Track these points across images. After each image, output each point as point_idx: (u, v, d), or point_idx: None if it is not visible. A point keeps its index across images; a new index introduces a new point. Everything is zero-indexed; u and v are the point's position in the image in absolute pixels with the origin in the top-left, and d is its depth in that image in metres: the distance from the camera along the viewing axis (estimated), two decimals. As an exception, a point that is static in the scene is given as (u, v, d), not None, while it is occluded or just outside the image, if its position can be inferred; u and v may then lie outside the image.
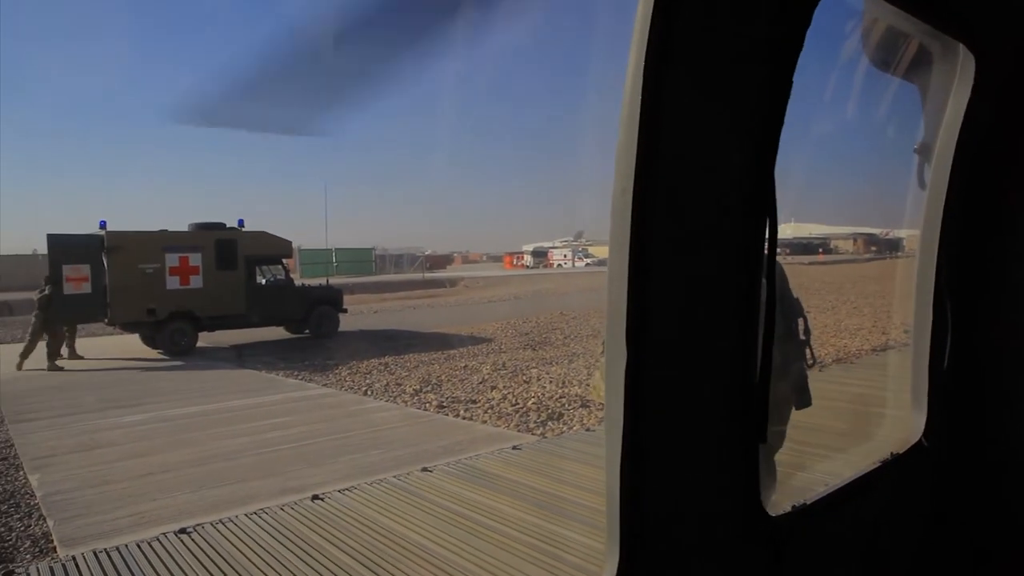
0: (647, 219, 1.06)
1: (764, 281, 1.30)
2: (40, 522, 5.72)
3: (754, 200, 1.24)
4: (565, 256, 64.96)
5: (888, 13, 1.67)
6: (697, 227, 1.16)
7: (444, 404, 9.76)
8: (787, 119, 1.27)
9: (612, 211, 1.07)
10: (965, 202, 1.92)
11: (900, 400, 2.19)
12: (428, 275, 48.80)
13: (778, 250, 1.35)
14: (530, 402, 9.64)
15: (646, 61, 1.02)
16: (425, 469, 6.41)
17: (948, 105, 1.86)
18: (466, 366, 12.85)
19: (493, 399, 9.97)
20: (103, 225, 15.11)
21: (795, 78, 1.26)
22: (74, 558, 4.71)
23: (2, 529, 5.62)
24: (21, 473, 7.08)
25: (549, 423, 8.62)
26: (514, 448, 7.08)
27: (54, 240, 14.87)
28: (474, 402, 9.84)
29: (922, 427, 1.99)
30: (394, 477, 6.20)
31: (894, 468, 1.88)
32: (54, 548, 5.17)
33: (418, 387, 10.96)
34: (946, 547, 2.11)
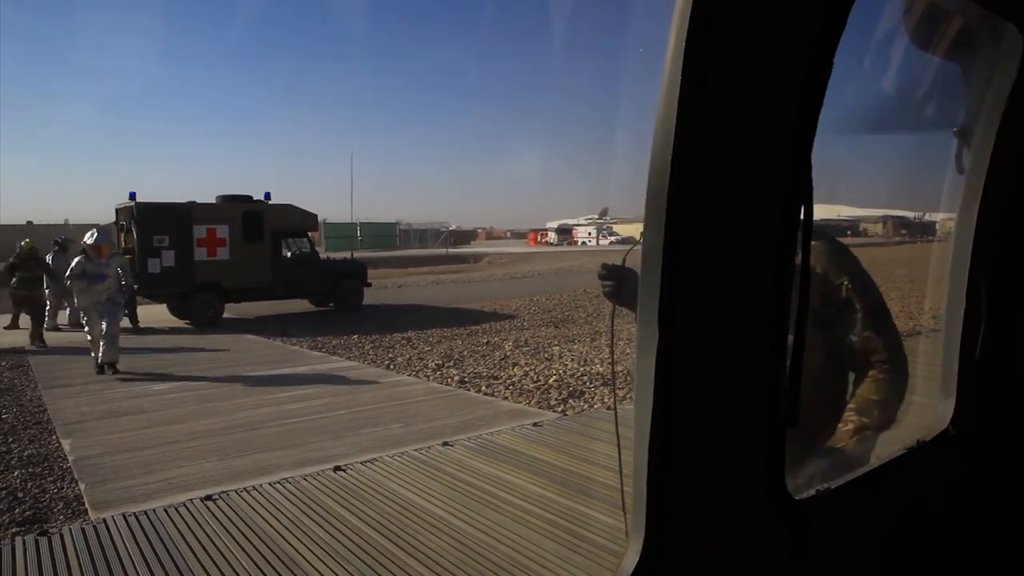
0: (682, 201, 1.05)
1: (799, 263, 1.28)
2: (72, 485, 5.88)
3: (790, 182, 1.22)
4: (589, 234, 64.78)
5: None
6: (732, 209, 1.15)
7: (466, 379, 9.83)
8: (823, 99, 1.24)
9: (647, 193, 1.06)
10: (1005, 188, 1.87)
11: (927, 387, 2.16)
12: (452, 250, 49.02)
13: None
14: (551, 379, 9.67)
15: (687, 39, 1.00)
16: (446, 443, 6.48)
17: (991, 87, 1.80)
18: (488, 342, 12.90)
19: (515, 375, 10.01)
20: (133, 196, 15.31)
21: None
22: (105, 521, 4.84)
23: (37, 491, 5.79)
24: (54, 437, 7.27)
25: (570, 400, 8.64)
26: (535, 425, 7.12)
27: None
28: (495, 378, 9.90)
29: (950, 415, 1.97)
30: (415, 450, 6.27)
31: (921, 455, 1.86)
32: (86, 511, 5.31)
33: (440, 362, 11.04)
34: (973, 537, 2.08)
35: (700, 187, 1.07)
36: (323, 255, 19.14)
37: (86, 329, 10.27)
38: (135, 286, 13.91)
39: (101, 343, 10.01)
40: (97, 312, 9.98)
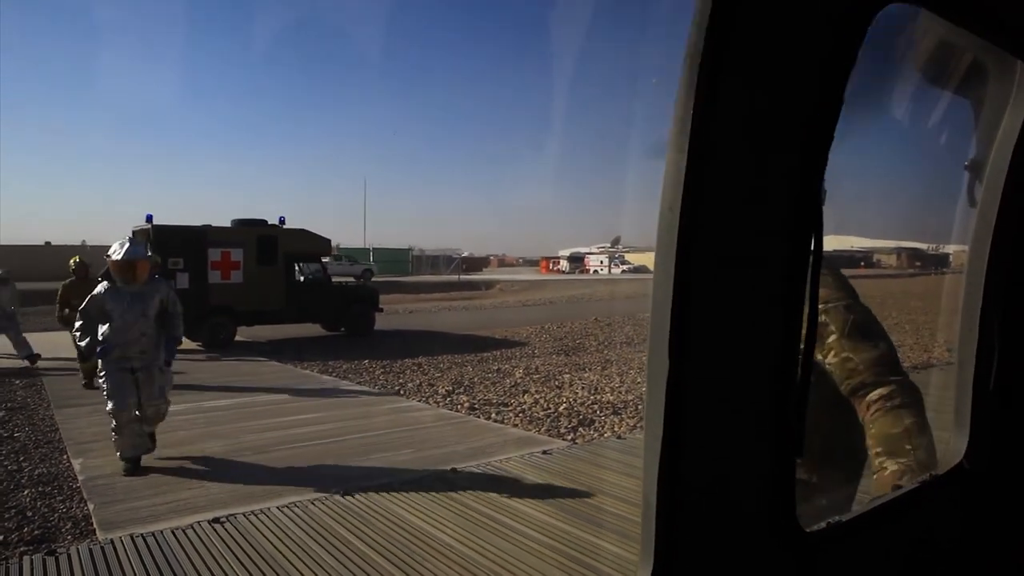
0: (694, 235, 1.06)
1: (807, 296, 1.29)
2: (81, 505, 5.88)
3: (800, 215, 1.24)
4: (602, 262, 64.91)
5: (942, 27, 1.64)
6: (743, 242, 1.16)
7: (476, 406, 9.79)
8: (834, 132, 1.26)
9: (659, 226, 1.07)
10: (1017, 221, 1.88)
11: (942, 420, 2.14)
12: (464, 277, 49.15)
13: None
14: (562, 407, 9.62)
15: (699, 71, 1.02)
16: (454, 470, 6.45)
17: (1002, 122, 1.82)
18: (499, 369, 12.87)
19: (525, 403, 9.97)
20: (150, 219, 15.49)
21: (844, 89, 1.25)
22: (112, 541, 4.84)
23: (46, 510, 5.80)
24: (65, 457, 7.30)
25: (580, 429, 8.59)
26: (544, 453, 7.08)
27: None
28: (505, 405, 9.86)
29: (964, 449, 1.95)
30: (424, 477, 6.24)
31: (934, 489, 1.84)
32: (94, 531, 5.31)
33: (450, 388, 11.02)
34: (986, 573, 2.05)
35: (711, 219, 1.09)
36: (334, 279, 19.23)
37: (109, 408, 6.45)
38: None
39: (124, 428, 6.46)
40: (125, 376, 6.45)
